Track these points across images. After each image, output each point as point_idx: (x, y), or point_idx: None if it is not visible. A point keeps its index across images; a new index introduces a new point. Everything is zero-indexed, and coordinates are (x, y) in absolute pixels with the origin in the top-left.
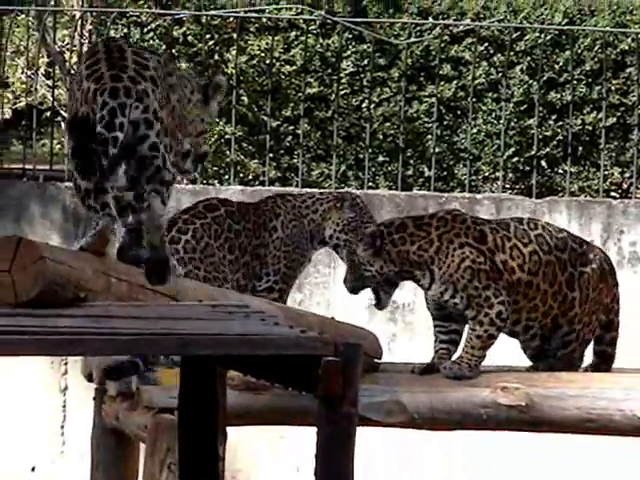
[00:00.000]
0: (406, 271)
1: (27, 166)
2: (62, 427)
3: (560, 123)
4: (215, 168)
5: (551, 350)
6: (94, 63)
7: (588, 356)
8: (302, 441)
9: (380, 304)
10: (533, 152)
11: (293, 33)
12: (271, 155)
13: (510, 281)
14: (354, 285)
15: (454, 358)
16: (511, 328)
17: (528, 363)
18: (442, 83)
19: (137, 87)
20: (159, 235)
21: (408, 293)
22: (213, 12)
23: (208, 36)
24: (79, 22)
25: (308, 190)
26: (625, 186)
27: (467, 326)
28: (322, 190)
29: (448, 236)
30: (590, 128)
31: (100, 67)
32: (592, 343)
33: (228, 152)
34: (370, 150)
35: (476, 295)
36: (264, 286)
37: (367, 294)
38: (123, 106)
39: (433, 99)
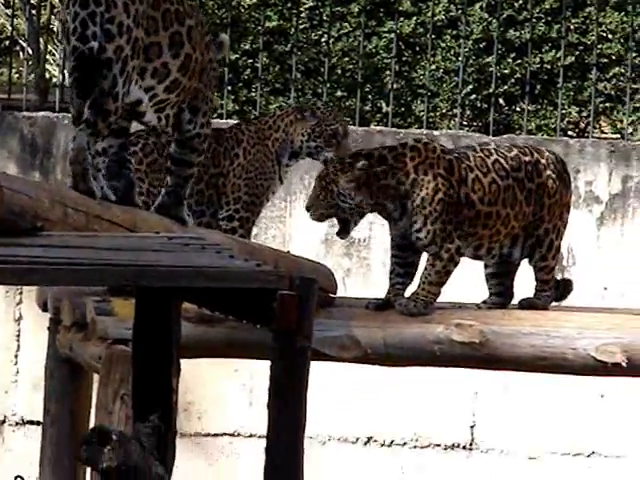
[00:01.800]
0: (380, 204)
1: None
2: (16, 357)
3: (519, 61)
4: None
5: (512, 261)
6: None
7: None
8: (255, 374)
9: (347, 233)
10: (491, 90)
11: None
12: (229, 88)
13: (469, 215)
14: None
15: (409, 293)
16: (474, 253)
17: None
18: (401, 19)
19: None
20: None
21: (363, 229)
22: None
23: None
24: None
25: None
26: (582, 125)
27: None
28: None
29: (423, 167)
30: (548, 67)
31: None
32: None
33: None
34: (328, 85)
35: (442, 229)
36: (224, 214)
37: (323, 228)
38: (93, 15)
39: (392, 35)
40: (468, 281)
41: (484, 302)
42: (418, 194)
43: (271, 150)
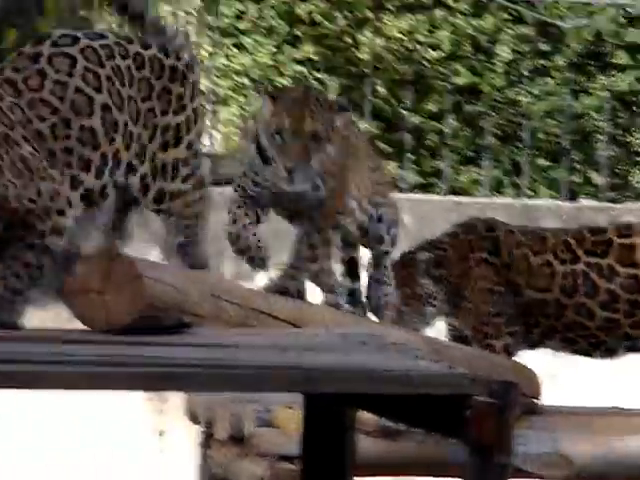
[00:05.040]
0: None
1: None
2: (158, 477)
3: None
4: None
5: None
6: None
7: None
8: None
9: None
10: None
11: (439, 12)
12: (411, 156)
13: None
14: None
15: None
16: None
17: None
18: (616, 73)
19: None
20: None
21: None
22: None
23: (338, 15)
24: None
25: (452, 198)
26: None
27: None
28: None
29: None
30: None
31: None
32: None
33: None
34: (529, 152)
35: None
36: None
37: None
38: None
39: (605, 92)
40: None
41: None
42: None
43: None
